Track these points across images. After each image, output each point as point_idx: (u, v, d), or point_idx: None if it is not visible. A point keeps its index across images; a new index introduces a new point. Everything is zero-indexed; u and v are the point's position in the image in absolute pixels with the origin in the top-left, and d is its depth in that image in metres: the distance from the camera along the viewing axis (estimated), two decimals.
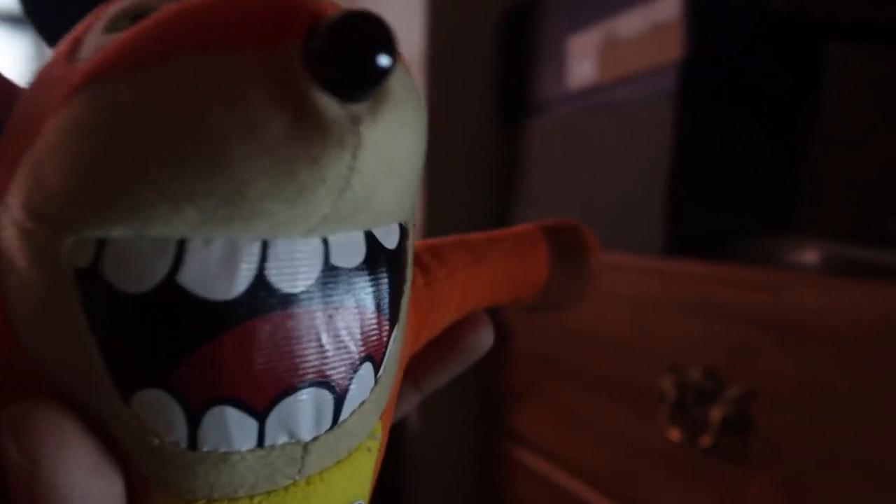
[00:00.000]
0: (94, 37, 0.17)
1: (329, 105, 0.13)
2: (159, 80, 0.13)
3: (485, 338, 0.24)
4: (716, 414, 0.48)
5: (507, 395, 0.76)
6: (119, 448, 0.15)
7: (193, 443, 0.15)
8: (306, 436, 0.16)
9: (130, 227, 0.14)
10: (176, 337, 0.14)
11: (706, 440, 0.48)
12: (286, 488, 0.17)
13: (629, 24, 0.61)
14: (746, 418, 0.46)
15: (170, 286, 0.14)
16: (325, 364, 0.16)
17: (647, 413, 0.55)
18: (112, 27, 0.17)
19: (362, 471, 0.19)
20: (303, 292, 0.15)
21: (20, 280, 0.15)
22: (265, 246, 0.14)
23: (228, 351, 0.14)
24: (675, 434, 0.51)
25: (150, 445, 0.15)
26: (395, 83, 0.14)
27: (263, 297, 0.14)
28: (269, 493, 0.16)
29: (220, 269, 0.14)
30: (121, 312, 0.14)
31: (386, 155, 0.14)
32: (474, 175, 0.85)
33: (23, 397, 0.15)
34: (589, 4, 0.67)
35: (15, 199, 0.15)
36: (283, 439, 0.16)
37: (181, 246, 0.14)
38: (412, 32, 0.83)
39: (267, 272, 0.14)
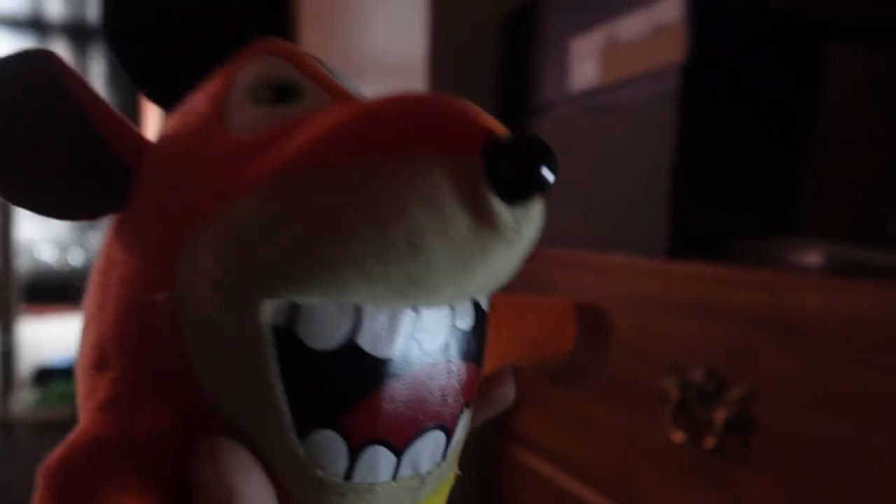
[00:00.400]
0: (242, 108, 0.19)
1: (501, 210, 0.16)
2: (364, 178, 0.16)
3: (510, 392, 0.27)
4: (718, 415, 0.48)
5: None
6: (278, 479, 0.18)
7: (349, 475, 0.18)
8: (424, 469, 0.19)
9: (326, 295, 0.16)
10: (350, 387, 0.17)
11: (709, 441, 0.48)
12: None
13: (631, 26, 0.61)
14: (749, 419, 0.46)
15: (350, 345, 0.17)
16: (444, 410, 0.19)
17: (649, 414, 0.55)
18: (255, 98, 0.19)
19: (444, 497, 0.22)
20: (436, 350, 0.18)
21: (212, 329, 0.17)
22: (417, 312, 0.18)
23: (386, 399, 0.17)
24: (677, 435, 0.51)
25: (314, 477, 0.17)
26: None
27: (412, 355, 0.18)
28: None
29: (385, 332, 0.17)
30: (308, 365, 0.17)
31: (526, 246, 0.18)
32: None
33: (200, 430, 0.17)
34: (590, 6, 0.67)
35: (210, 258, 0.17)
36: (409, 472, 0.19)
37: (358, 311, 0.17)
38: (414, 34, 0.83)
39: (417, 335, 0.18)
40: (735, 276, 0.49)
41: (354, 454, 0.17)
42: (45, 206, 0.20)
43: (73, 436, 0.17)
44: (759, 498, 0.46)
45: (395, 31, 0.89)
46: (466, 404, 0.20)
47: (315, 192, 0.16)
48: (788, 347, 0.44)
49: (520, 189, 0.16)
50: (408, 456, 0.18)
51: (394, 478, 0.18)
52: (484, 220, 0.16)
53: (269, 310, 0.16)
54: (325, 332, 0.17)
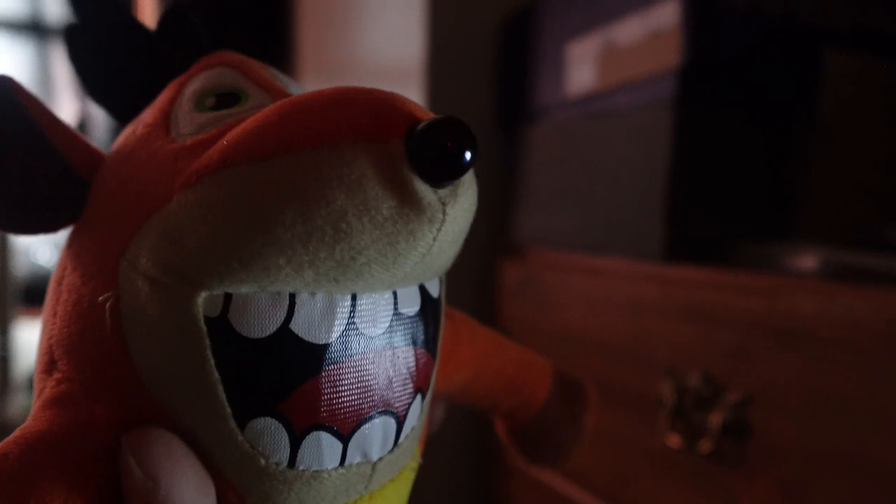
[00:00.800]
0: (187, 114, 0.20)
1: (425, 191, 0.17)
2: (289, 168, 0.16)
3: (436, 419, 0.30)
4: (714, 419, 0.48)
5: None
6: (218, 469, 0.18)
7: (293, 462, 0.18)
8: (375, 456, 0.19)
9: (257, 284, 0.17)
10: (287, 373, 0.17)
11: (705, 445, 0.48)
12: (355, 502, 0.20)
13: (628, 31, 0.61)
14: (745, 423, 0.46)
15: (284, 332, 0.17)
16: (391, 395, 0.19)
17: (645, 418, 0.55)
18: (200, 105, 0.20)
19: (406, 487, 0.22)
20: (379, 336, 0.19)
21: (150, 324, 0.17)
22: (355, 298, 0.18)
23: (326, 384, 0.18)
24: (674, 439, 0.51)
25: (257, 466, 0.18)
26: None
27: (352, 341, 0.18)
28: None
29: (322, 318, 0.17)
30: (243, 354, 0.17)
31: (457, 227, 0.18)
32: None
33: (139, 425, 0.17)
34: (587, 11, 0.67)
35: (146, 257, 0.17)
36: (358, 459, 0.19)
37: (292, 299, 0.17)
38: (412, 39, 0.84)
39: (356, 320, 0.18)
40: (731, 281, 0.49)
41: (297, 441, 0.17)
42: (5, 223, 0.20)
43: (14, 433, 0.17)
44: (755, 502, 0.46)
45: (393, 36, 0.89)
46: (419, 391, 0.20)
47: (241, 185, 0.16)
48: (784, 352, 0.44)
49: (441, 170, 0.17)
50: (354, 442, 0.18)
51: (341, 464, 0.18)
52: (407, 202, 0.16)
53: (202, 302, 0.17)
54: (259, 321, 0.17)
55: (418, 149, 0.16)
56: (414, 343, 0.20)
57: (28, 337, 1.84)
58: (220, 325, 0.17)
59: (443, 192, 0.17)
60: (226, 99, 0.20)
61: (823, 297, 0.42)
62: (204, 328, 0.17)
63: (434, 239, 0.17)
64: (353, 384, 0.18)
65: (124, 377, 0.18)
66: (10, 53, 2.14)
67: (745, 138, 0.57)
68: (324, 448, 0.18)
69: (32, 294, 1.98)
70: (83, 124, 1.46)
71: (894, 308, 0.38)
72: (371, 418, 0.19)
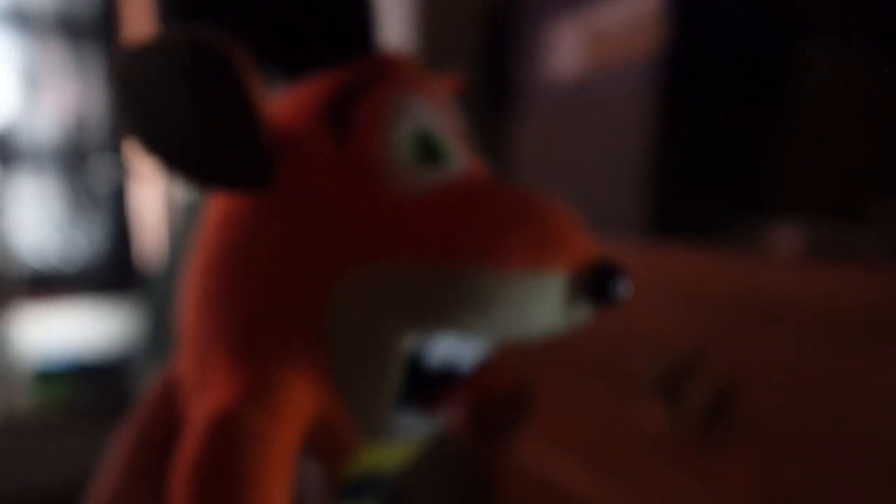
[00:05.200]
0: (397, 163, 0.23)
1: (583, 313, 0.23)
2: (465, 278, 0.21)
3: None
4: (698, 397, 0.48)
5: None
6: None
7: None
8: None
9: (447, 342, 0.24)
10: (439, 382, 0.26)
11: (688, 423, 0.48)
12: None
13: (610, 17, 0.61)
14: (728, 401, 0.47)
15: (447, 365, 0.25)
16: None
17: (628, 397, 0.55)
18: (408, 157, 0.23)
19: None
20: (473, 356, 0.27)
21: (353, 339, 0.22)
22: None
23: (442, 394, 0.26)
24: (656, 418, 0.51)
25: (389, 431, 0.24)
26: None
27: (455, 370, 0.26)
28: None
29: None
30: (420, 380, 0.25)
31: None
32: None
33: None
34: None
35: (362, 295, 0.22)
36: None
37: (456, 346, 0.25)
38: (399, 26, 0.83)
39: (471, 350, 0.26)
40: (713, 259, 0.49)
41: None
42: (199, 174, 0.23)
43: (221, 398, 0.21)
44: (738, 479, 0.46)
45: (381, 21, 0.89)
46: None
47: (476, 283, 0.21)
48: (767, 329, 0.44)
49: (602, 301, 0.22)
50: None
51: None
52: (570, 318, 0.22)
53: (410, 345, 0.22)
54: (431, 354, 0.24)
55: (594, 282, 0.21)
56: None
57: (31, 330, 1.83)
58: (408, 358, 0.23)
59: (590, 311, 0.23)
60: (428, 149, 0.24)
61: (805, 274, 0.42)
62: (401, 362, 0.22)
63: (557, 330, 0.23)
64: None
65: (316, 364, 0.22)
66: (2, 46, 2.13)
67: (728, 118, 0.57)
68: (419, 423, 0.25)
69: (35, 286, 1.97)
70: (77, 115, 1.45)
71: (876, 285, 0.38)
72: None
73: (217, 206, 0.25)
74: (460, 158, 0.24)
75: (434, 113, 0.24)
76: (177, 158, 0.22)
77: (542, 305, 0.21)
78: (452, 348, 0.25)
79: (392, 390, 0.23)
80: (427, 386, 0.24)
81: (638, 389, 0.54)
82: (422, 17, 0.81)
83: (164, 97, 0.21)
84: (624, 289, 0.22)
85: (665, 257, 0.53)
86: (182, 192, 1.20)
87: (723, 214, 0.56)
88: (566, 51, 0.67)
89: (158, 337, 0.87)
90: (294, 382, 0.22)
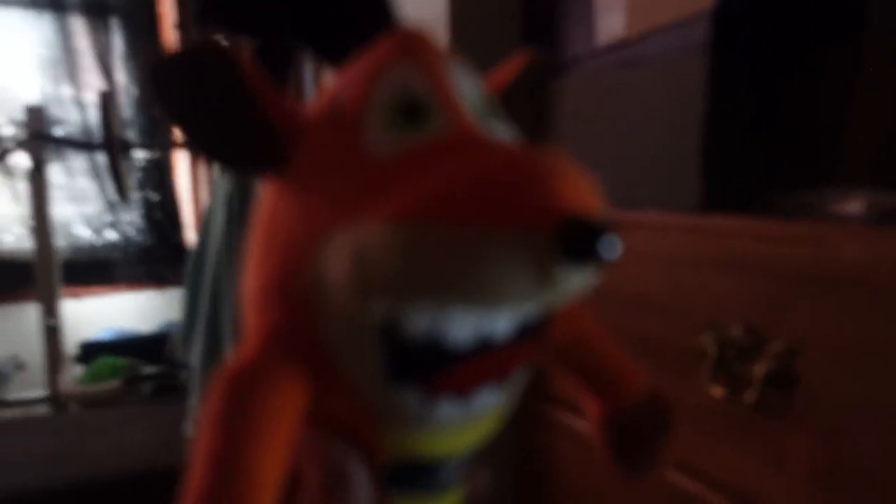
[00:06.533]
0: (377, 127, 0.26)
1: (561, 273, 0.22)
2: (461, 237, 0.21)
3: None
4: (758, 370, 0.47)
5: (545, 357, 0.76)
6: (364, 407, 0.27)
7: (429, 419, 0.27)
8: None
9: (419, 313, 0.24)
10: (432, 366, 0.26)
11: (749, 396, 0.48)
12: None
13: None
14: (789, 373, 0.46)
15: (434, 340, 0.25)
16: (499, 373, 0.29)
17: (687, 372, 0.55)
18: (391, 124, 0.25)
19: (496, 424, 0.33)
20: (499, 335, 0.27)
21: (336, 319, 0.25)
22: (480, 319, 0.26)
23: (458, 372, 0.27)
24: (717, 391, 0.51)
25: (403, 415, 0.27)
26: None
27: (475, 347, 0.26)
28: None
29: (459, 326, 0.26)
30: (403, 355, 0.25)
31: (575, 288, 0.24)
32: None
33: (320, 385, 0.26)
34: None
35: (337, 262, 0.24)
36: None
37: (440, 319, 0.24)
38: None
39: (481, 326, 0.26)
40: (771, 230, 0.48)
41: (430, 405, 0.27)
42: (227, 159, 0.27)
43: (240, 355, 0.26)
44: (801, 451, 0.46)
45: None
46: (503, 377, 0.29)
47: (422, 244, 0.22)
48: (828, 300, 0.43)
49: (580, 260, 0.21)
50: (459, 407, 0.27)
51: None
52: (545, 280, 0.22)
53: (377, 312, 0.24)
54: (416, 332, 0.25)
55: (565, 240, 0.21)
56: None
57: (72, 312, 1.89)
58: (390, 331, 0.24)
59: (574, 272, 0.22)
60: (411, 114, 0.25)
61: (869, 243, 0.41)
62: (377, 331, 0.24)
63: (557, 297, 0.24)
64: (468, 368, 0.27)
65: (308, 330, 0.26)
66: (31, 31, 2.15)
67: (784, 82, 0.55)
68: (445, 409, 0.27)
69: (72, 270, 2.02)
70: (107, 99, 1.47)
71: None
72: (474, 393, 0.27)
73: (264, 190, 0.29)
74: (451, 119, 0.26)
75: (430, 76, 0.26)
76: (204, 144, 0.26)
77: (504, 264, 0.21)
78: (479, 327, 0.25)
79: (376, 360, 0.25)
80: (441, 367, 0.26)
81: (696, 365, 0.53)
82: None
83: (190, 95, 0.25)
84: (607, 246, 0.21)
85: (719, 229, 0.52)
86: (215, 172, 1.21)
87: (780, 183, 0.54)
88: (612, 12, 0.66)
89: (195, 312, 0.87)
90: (290, 349, 0.25)
